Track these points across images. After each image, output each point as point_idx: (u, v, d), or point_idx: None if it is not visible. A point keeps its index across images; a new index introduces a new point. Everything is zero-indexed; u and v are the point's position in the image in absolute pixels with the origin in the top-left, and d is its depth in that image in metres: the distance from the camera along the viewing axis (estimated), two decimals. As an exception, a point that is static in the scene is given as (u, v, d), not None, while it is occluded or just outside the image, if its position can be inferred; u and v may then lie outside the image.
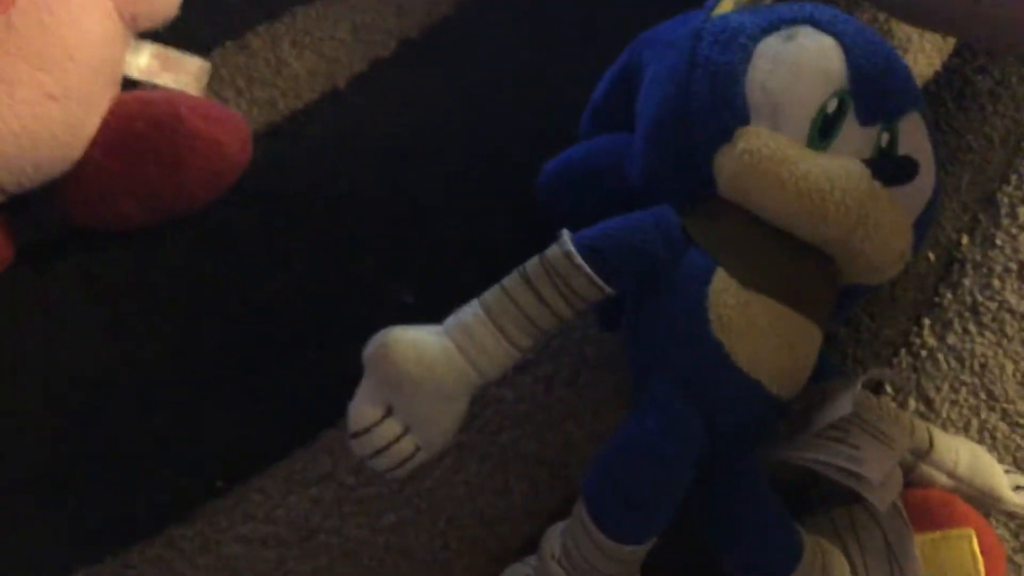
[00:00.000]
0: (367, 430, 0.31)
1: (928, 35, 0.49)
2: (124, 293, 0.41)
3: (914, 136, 0.35)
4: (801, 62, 0.34)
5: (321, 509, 0.38)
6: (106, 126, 0.38)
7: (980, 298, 0.43)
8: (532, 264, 0.32)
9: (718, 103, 0.33)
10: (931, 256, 0.44)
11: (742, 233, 0.33)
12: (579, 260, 0.31)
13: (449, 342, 0.32)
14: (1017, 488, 0.38)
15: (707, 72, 0.34)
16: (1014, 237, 0.45)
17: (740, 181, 0.33)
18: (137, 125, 0.38)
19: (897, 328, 0.43)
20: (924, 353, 0.42)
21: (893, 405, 0.40)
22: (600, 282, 0.31)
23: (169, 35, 0.43)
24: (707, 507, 0.34)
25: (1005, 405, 0.41)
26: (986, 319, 0.43)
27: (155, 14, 0.40)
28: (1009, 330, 0.43)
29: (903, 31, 0.48)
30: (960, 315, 0.43)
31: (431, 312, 0.34)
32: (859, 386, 0.33)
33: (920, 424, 0.38)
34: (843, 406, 0.33)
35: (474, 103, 0.46)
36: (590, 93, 0.42)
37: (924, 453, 0.37)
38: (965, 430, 0.41)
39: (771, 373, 0.32)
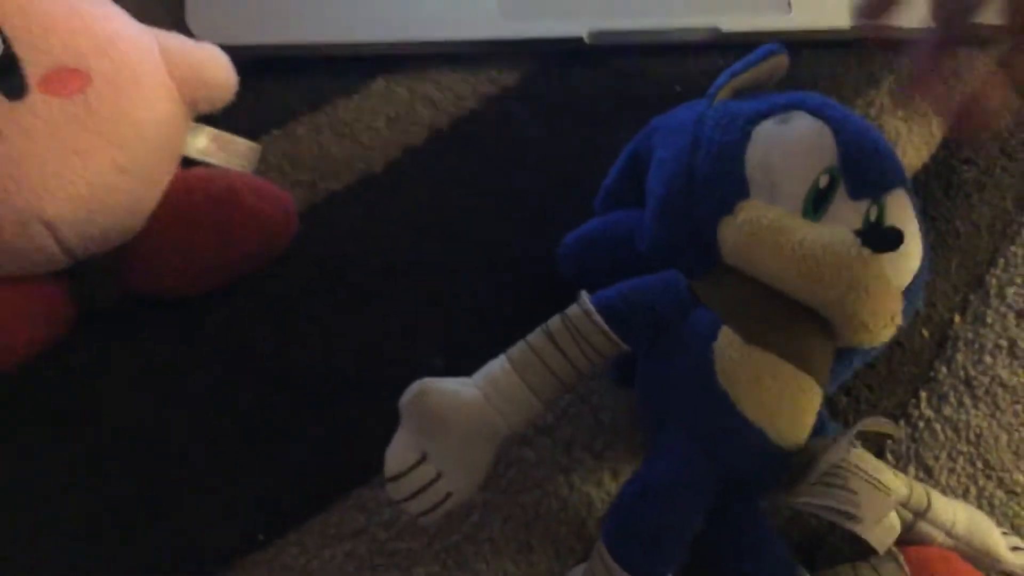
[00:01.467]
0: (403, 474, 0.33)
1: (916, 129, 0.52)
2: (171, 355, 0.42)
3: (900, 210, 0.37)
4: (795, 141, 0.36)
5: (354, 562, 0.39)
6: (167, 199, 0.40)
7: (973, 372, 0.45)
8: (554, 322, 0.35)
9: (720, 179, 0.36)
10: (925, 333, 0.46)
11: (745, 294, 0.35)
12: (597, 317, 0.34)
13: (478, 392, 0.34)
14: (1015, 549, 0.40)
15: (710, 152, 0.37)
16: (1003, 316, 0.47)
17: (742, 249, 0.35)
18: (195, 198, 0.40)
19: (895, 400, 0.45)
20: (922, 424, 0.44)
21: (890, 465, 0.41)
22: (616, 338, 0.34)
23: (222, 122, 0.45)
24: (714, 553, 0.35)
25: (1001, 474, 0.43)
26: (979, 392, 0.45)
27: (213, 99, 0.42)
28: (1002, 403, 0.45)
29: (892, 126, 0.51)
30: (955, 388, 0.45)
31: (459, 375, 0.36)
32: (854, 432, 0.35)
33: (919, 486, 0.39)
34: (838, 451, 0.34)
35: (498, 186, 0.48)
36: (601, 175, 0.45)
37: (923, 511, 0.39)
38: (964, 496, 0.42)
39: (774, 422, 0.34)
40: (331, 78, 0.50)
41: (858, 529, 0.34)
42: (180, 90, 0.41)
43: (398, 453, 0.34)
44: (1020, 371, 0.46)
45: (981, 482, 0.43)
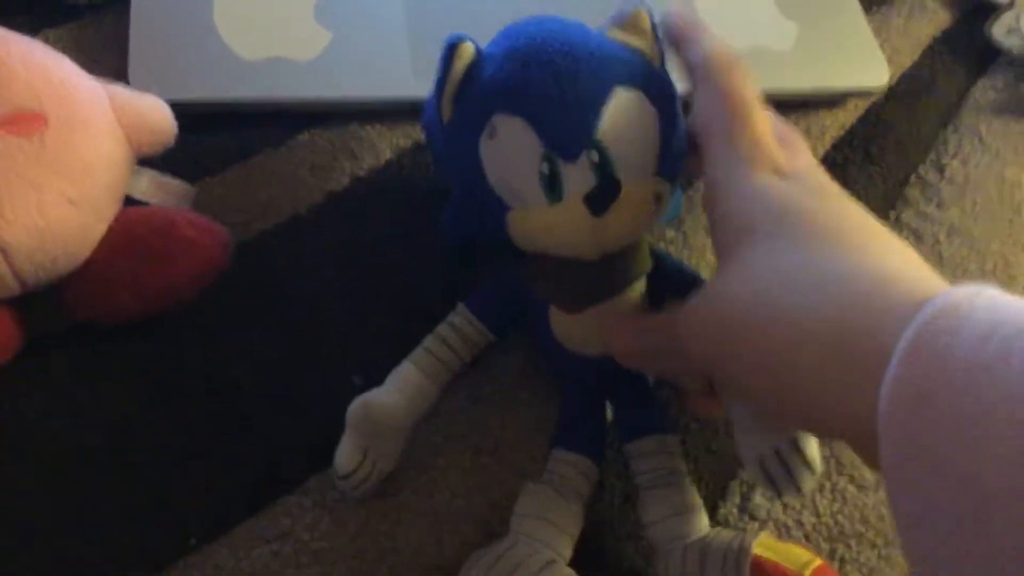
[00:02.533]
0: (353, 472, 0.42)
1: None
2: (115, 378, 0.46)
3: (616, 124, 0.39)
4: (509, 153, 0.39)
5: (280, 561, 0.43)
6: (111, 231, 0.44)
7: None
8: (443, 328, 0.45)
9: (485, 204, 0.41)
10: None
11: (551, 272, 0.43)
12: (474, 318, 0.45)
13: (397, 394, 0.43)
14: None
15: (465, 181, 0.42)
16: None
17: (524, 245, 0.42)
18: (137, 230, 0.44)
19: None
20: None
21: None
22: (486, 331, 0.45)
23: (162, 169, 0.49)
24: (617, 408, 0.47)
25: (851, 471, 0.50)
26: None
27: (155, 144, 0.47)
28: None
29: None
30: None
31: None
32: None
33: None
34: None
35: (411, 225, 0.53)
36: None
37: None
38: (820, 491, 0.49)
39: (600, 348, 0.44)
40: (261, 132, 0.55)
41: None
42: (127, 135, 0.45)
43: (347, 456, 0.42)
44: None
45: (834, 478, 0.49)
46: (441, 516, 0.45)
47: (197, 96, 0.53)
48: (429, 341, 0.45)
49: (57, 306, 0.45)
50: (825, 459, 0.50)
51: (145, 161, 0.48)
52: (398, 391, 0.43)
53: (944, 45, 0.74)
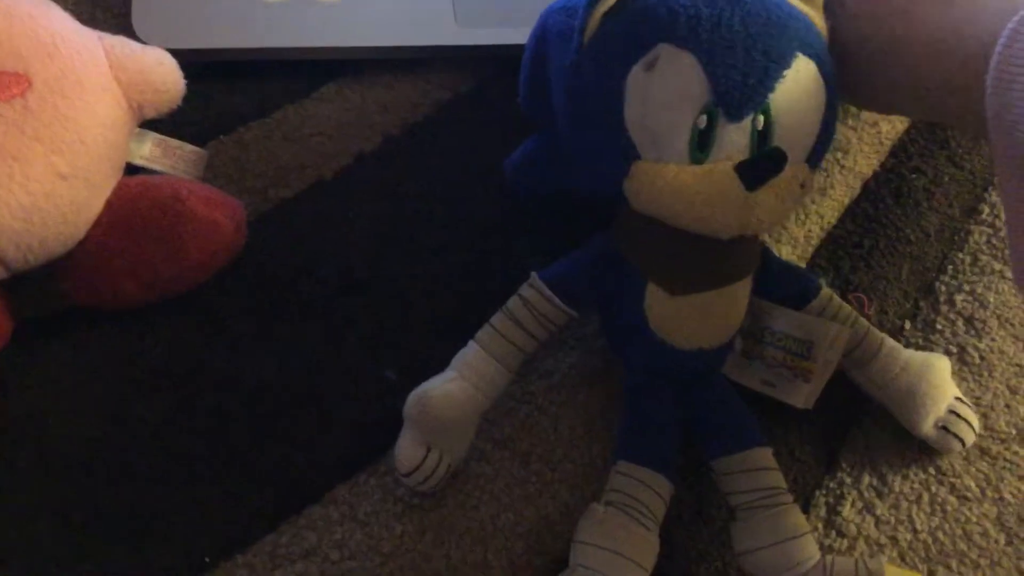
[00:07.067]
0: (417, 468, 0.38)
1: (866, 137, 0.53)
2: (118, 371, 0.41)
3: (791, 94, 0.35)
4: (665, 93, 0.35)
5: None
6: (110, 207, 0.39)
7: (924, 380, 0.46)
8: (512, 302, 0.40)
9: (608, 146, 0.36)
10: (878, 341, 0.47)
11: (662, 245, 0.39)
12: (549, 292, 0.39)
13: (461, 381, 0.39)
14: (942, 426, 0.43)
15: (593, 113, 0.36)
16: (952, 322, 0.48)
17: (644, 208, 0.37)
18: (140, 206, 0.39)
19: (850, 410, 0.45)
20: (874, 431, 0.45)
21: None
22: (566, 308, 0.40)
23: (168, 128, 0.44)
24: (698, 416, 0.41)
25: (952, 480, 0.44)
26: (931, 399, 0.45)
27: (160, 104, 0.41)
28: (952, 410, 0.45)
29: (842, 133, 0.53)
30: (907, 395, 0.45)
31: (411, 387, 0.39)
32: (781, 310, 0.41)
33: (876, 334, 0.43)
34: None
35: (449, 192, 0.48)
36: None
37: (864, 362, 0.43)
38: (917, 503, 0.43)
39: (706, 340, 0.40)
40: (281, 83, 0.50)
41: (773, 393, 0.42)
42: (126, 95, 0.40)
43: (408, 453, 0.39)
44: (969, 377, 0.46)
45: (934, 488, 0.43)
46: (487, 532, 0.40)
47: (209, 44, 0.48)
48: (497, 319, 0.40)
49: (50, 292, 0.40)
50: (923, 467, 0.44)
51: (149, 123, 0.43)
52: (461, 377, 0.39)
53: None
